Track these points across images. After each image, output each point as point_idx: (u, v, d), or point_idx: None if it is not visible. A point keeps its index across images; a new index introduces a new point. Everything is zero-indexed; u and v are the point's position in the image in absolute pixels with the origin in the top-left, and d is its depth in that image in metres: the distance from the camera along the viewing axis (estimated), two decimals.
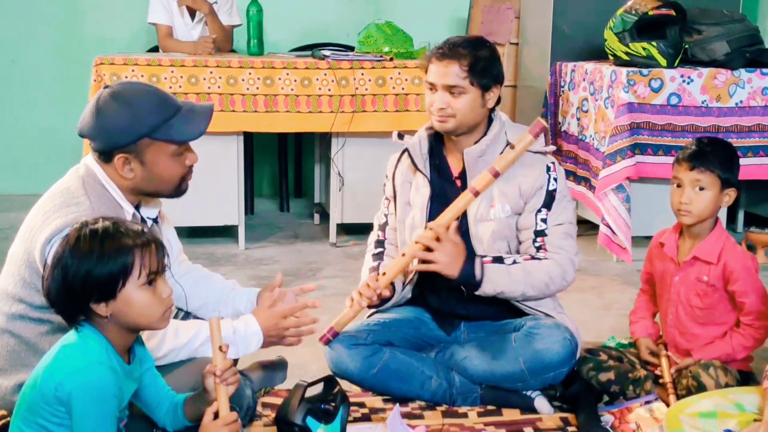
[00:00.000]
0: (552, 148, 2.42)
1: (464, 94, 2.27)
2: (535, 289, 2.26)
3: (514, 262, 2.26)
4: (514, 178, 2.31)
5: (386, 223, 2.50)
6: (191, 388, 1.83)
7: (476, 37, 2.40)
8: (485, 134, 2.35)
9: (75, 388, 1.54)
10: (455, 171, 2.38)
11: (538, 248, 2.30)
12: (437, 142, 2.41)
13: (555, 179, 2.33)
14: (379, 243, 2.50)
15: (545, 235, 2.30)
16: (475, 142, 2.34)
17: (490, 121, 2.38)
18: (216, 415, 1.70)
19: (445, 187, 2.38)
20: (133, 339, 1.69)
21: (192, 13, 4.29)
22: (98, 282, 1.56)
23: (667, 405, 2.21)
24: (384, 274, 2.28)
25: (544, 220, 2.31)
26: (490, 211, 2.31)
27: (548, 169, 2.33)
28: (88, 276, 1.55)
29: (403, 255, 2.26)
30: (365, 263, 2.49)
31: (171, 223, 2.24)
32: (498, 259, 2.27)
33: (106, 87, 1.96)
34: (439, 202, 2.37)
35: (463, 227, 2.33)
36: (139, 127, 1.91)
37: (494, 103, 2.34)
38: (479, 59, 2.27)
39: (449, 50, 2.27)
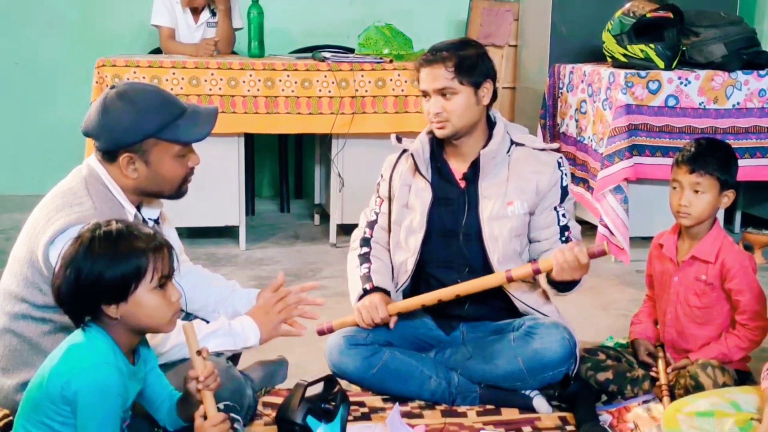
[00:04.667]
0: (557, 145, 2.45)
1: (456, 94, 2.29)
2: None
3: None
4: (529, 176, 2.34)
5: (376, 221, 2.51)
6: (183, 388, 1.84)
7: (461, 39, 2.43)
8: (491, 135, 2.37)
9: (81, 387, 1.56)
10: (458, 173, 2.40)
11: (566, 242, 2.34)
12: (438, 145, 2.42)
13: (565, 174, 2.38)
14: (366, 241, 2.50)
15: (569, 229, 2.36)
16: (484, 145, 2.36)
17: (489, 120, 2.40)
18: (205, 418, 1.70)
19: (447, 189, 2.40)
20: (139, 340, 1.70)
21: (195, 16, 4.31)
22: (111, 284, 1.57)
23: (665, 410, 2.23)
24: (399, 312, 2.31)
25: (564, 215, 2.37)
26: (508, 208, 2.34)
27: (559, 165, 2.38)
28: (100, 278, 1.56)
29: (423, 302, 2.32)
30: (350, 262, 2.49)
31: (172, 223, 2.25)
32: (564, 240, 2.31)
33: (112, 87, 1.97)
34: (440, 205, 2.39)
35: (473, 228, 2.36)
36: (145, 127, 1.93)
37: (490, 99, 2.35)
38: (464, 58, 2.29)
39: (433, 55, 2.30)
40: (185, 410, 1.76)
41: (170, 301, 1.64)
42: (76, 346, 1.61)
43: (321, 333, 2.37)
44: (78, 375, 1.56)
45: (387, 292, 2.37)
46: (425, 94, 2.34)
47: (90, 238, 1.59)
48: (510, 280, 2.25)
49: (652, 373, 2.37)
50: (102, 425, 1.58)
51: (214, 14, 4.29)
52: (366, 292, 2.36)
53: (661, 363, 2.36)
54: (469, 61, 2.29)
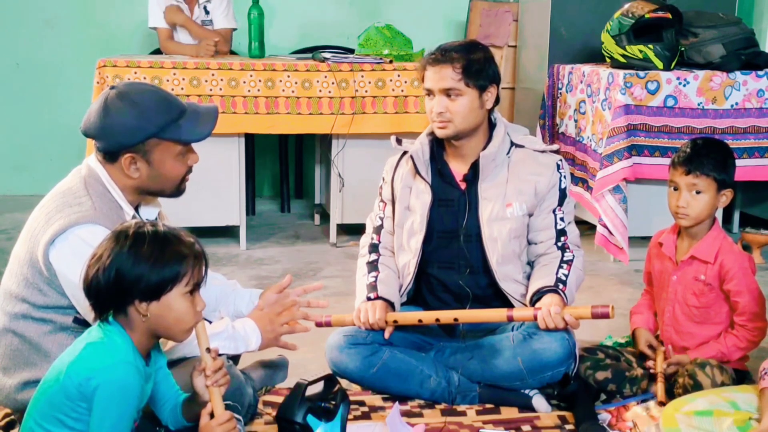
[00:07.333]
0: (557, 146, 2.46)
1: (461, 96, 2.30)
2: (576, 288, 2.37)
3: (566, 276, 2.32)
4: (528, 178, 2.36)
5: (381, 226, 2.52)
6: (190, 386, 1.85)
7: (469, 41, 2.44)
8: (491, 136, 2.38)
9: (101, 384, 1.57)
10: (459, 174, 2.41)
11: (562, 247, 2.36)
12: (438, 146, 2.43)
13: (564, 177, 2.39)
14: (374, 247, 2.51)
15: (566, 234, 2.37)
16: (484, 147, 2.37)
17: (490, 122, 2.41)
18: (212, 416, 1.71)
19: (447, 191, 2.41)
20: (154, 344, 1.71)
21: (189, 12, 4.30)
22: (149, 285, 1.59)
23: (658, 397, 2.26)
24: (396, 321, 2.33)
25: (562, 219, 2.39)
26: (507, 210, 2.35)
27: (558, 167, 2.39)
28: (141, 278, 1.59)
29: (420, 318, 2.34)
30: (359, 268, 2.50)
31: (171, 223, 2.26)
32: (560, 280, 2.31)
33: (112, 87, 1.97)
34: (440, 206, 2.40)
35: (473, 230, 2.37)
36: (147, 127, 1.93)
37: (492, 103, 2.37)
38: (472, 61, 2.30)
39: (442, 55, 2.31)
40: (190, 410, 1.77)
41: (195, 309, 1.67)
42: (95, 344, 1.62)
43: (319, 325, 2.39)
44: (99, 372, 1.58)
45: (391, 303, 2.38)
46: (429, 92, 2.34)
47: (136, 237, 1.61)
48: (510, 319, 2.28)
49: (649, 363, 2.38)
50: (116, 425, 1.59)
51: (207, 12, 4.30)
52: (369, 301, 2.37)
53: (659, 354, 2.37)
54: (477, 64, 2.30)
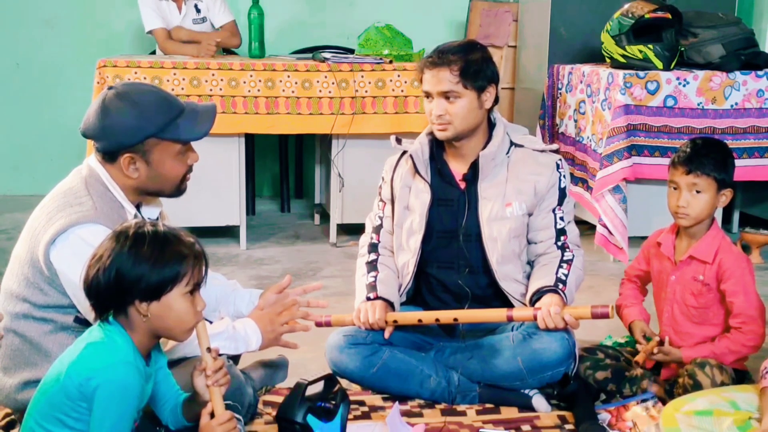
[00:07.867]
0: (556, 146, 2.46)
1: (460, 98, 2.30)
2: (576, 288, 2.37)
3: (566, 275, 2.32)
4: (528, 177, 2.36)
5: (381, 226, 2.52)
6: (190, 386, 1.85)
7: (466, 41, 2.44)
8: (490, 136, 2.39)
9: (102, 384, 1.57)
10: (458, 174, 2.42)
11: (562, 246, 2.37)
12: (438, 146, 2.44)
13: (564, 176, 2.39)
14: (373, 247, 2.51)
15: (566, 233, 2.38)
16: (484, 146, 2.37)
17: (489, 122, 2.41)
18: (212, 416, 1.71)
19: (447, 190, 2.41)
20: (154, 344, 1.71)
21: (178, 8, 4.29)
22: (149, 285, 1.60)
23: (635, 358, 2.33)
24: (396, 321, 2.32)
25: (562, 218, 2.39)
26: (507, 209, 2.35)
27: (557, 166, 2.39)
28: (141, 278, 1.59)
29: (420, 318, 2.34)
30: (358, 268, 2.50)
31: (172, 223, 2.26)
32: (560, 280, 2.31)
33: (111, 88, 1.98)
34: (440, 206, 2.40)
35: (472, 229, 2.37)
36: (146, 127, 1.93)
37: (492, 103, 2.37)
38: (470, 62, 2.30)
39: (439, 58, 2.31)
40: (190, 410, 1.77)
41: (196, 309, 1.67)
42: (96, 344, 1.62)
43: (319, 325, 2.39)
44: (100, 372, 1.58)
45: (391, 303, 2.38)
46: (428, 95, 2.35)
47: (136, 237, 1.61)
48: (510, 319, 2.29)
49: (639, 347, 2.38)
50: (117, 424, 1.59)
51: (198, 10, 4.29)
52: (369, 301, 2.37)
53: (652, 342, 2.35)
54: (474, 65, 2.30)
